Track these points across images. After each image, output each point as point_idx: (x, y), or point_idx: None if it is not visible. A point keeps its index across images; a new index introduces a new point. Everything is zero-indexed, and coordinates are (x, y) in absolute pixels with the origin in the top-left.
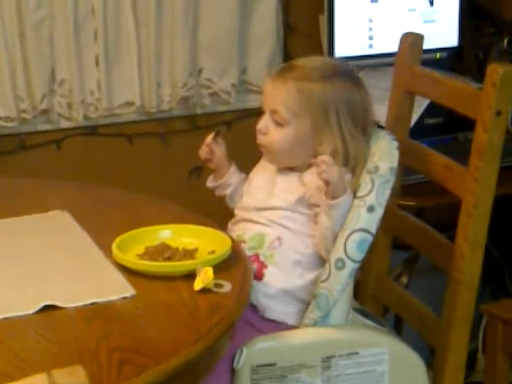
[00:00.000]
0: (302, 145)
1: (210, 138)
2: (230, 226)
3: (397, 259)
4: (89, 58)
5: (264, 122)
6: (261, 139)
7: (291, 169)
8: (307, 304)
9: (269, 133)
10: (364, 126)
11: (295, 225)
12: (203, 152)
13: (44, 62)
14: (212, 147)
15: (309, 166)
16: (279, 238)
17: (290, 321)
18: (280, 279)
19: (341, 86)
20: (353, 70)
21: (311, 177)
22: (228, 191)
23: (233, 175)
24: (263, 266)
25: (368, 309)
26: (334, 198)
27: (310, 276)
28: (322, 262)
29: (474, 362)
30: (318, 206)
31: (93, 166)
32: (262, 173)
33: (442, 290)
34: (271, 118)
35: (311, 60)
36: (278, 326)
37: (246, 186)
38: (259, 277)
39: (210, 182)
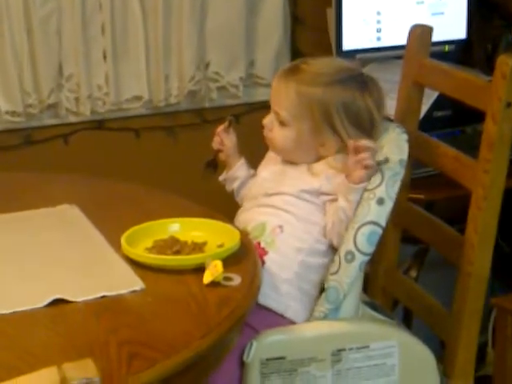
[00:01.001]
0: (304, 145)
1: (221, 127)
2: (237, 215)
3: (406, 253)
4: (96, 52)
5: (269, 119)
6: (266, 134)
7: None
8: (309, 296)
9: (273, 129)
10: (370, 128)
11: (298, 210)
12: (215, 143)
13: (51, 56)
14: (222, 137)
15: (317, 159)
16: (280, 226)
17: (289, 314)
18: (280, 266)
19: (342, 91)
20: (360, 74)
21: (321, 166)
22: (235, 185)
23: (241, 168)
24: (264, 252)
25: (377, 302)
26: (359, 182)
27: (313, 263)
28: (325, 251)
29: (483, 355)
30: (328, 194)
31: (100, 160)
32: (271, 164)
33: (451, 284)
34: (275, 117)
35: (317, 63)
36: (275, 321)
37: (253, 180)
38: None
39: (221, 176)
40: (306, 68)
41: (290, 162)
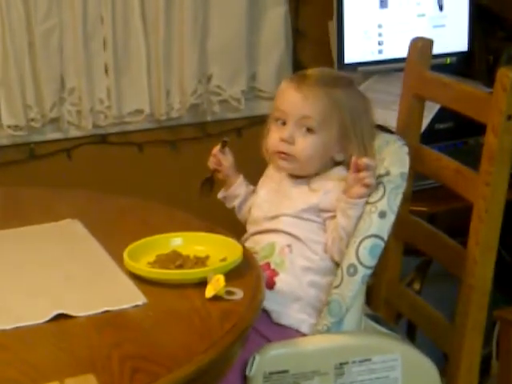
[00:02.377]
0: (325, 152)
1: (216, 148)
2: (241, 241)
3: (409, 266)
4: (98, 66)
5: (289, 132)
6: (286, 148)
7: (299, 176)
8: (320, 312)
9: (295, 142)
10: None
11: (301, 231)
12: (211, 163)
13: (53, 70)
14: (219, 158)
15: (327, 168)
16: (289, 246)
17: (304, 329)
18: (292, 286)
19: (359, 93)
20: None
21: (320, 183)
22: (236, 203)
23: (240, 186)
24: (274, 273)
25: (380, 315)
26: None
27: (322, 282)
28: (332, 268)
29: (488, 367)
30: (327, 211)
31: (103, 174)
32: (269, 183)
33: (454, 297)
34: (299, 125)
35: (323, 69)
36: (290, 334)
37: (254, 199)
38: (271, 285)
39: (220, 194)
40: (321, 73)
41: (290, 178)
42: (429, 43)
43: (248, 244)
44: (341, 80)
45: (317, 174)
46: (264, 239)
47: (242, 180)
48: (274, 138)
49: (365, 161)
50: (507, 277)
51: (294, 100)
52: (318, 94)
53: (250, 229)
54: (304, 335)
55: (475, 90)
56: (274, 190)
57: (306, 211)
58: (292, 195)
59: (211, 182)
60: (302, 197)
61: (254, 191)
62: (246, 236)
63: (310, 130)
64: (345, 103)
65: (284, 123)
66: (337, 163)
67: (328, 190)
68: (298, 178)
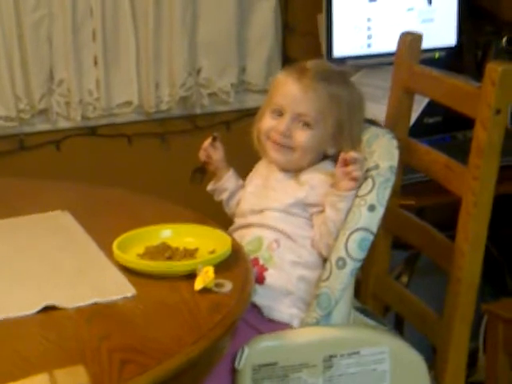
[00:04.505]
0: (319, 146)
1: (207, 142)
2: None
3: (397, 259)
4: (87, 57)
5: (287, 125)
6: (283, 141)
7: (287, 170)
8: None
9: (293, 135)
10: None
11: (289, 227)
12: (201, 155)
13: (42, 61)
14: (209, 152)
15: (318, 161)
16: (277, 241)
17: (295, 323)
18: (281, 281)
19: (355, 90)
20: None
21: (307, 176)
22: (224, 196)
23: (230, 180)
24: (263, 268)
25: (369, 308)
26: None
27: (311, 277)
28: (320, 262)
29: (474, 361)
30: (314, 206)
31: (92, 166)
32: (257, 176)
33: (441, 290)
34: (296, 120)
35: (320, 62)
36: (282, 328)
37: (242, 193)
38: (260, 280)
39: (209, 186)
40: (322, 67)
41: (278, 172)
42: (418, 37)
43: (235, 237)
44: (339, 74)
45: (305, 168)
46: (250, 233)
47: (232, 174)
48: (269, 127)
49: (352, 155)
50: (494, 271)
51: (294, 94)
52: (317, 89)
53: (237, 222)
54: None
55: (464, 85)
56: (262, 184)
57: (292, 206)
58: (279, 189)
59: (202, 172)
60: (289, 191)
61: (242, 186)
62: (231, 228)
63: (306, 125)
64: (343, 99)
65: (280, 114)
66: (325, 157)
67: (314, 184)
68: (286, 171)
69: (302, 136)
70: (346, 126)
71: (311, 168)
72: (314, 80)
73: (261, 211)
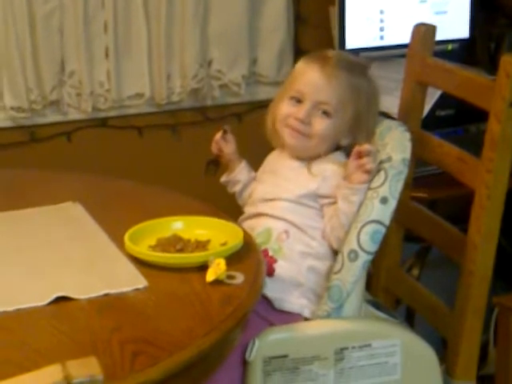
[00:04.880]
0: (335, 136)
1: (218, 135)
2: (238, 222)
3: (408, 251)
4: (99, 49)
5: (307, 112)
6: (301, 128)
7: (299, 159)
8: (321, 297)
9: (312, 123)
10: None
11: (298, 217)
12: (213, 148)
13: (54, 52)
14: (220, 144)
15: (331, 151)
16: (286, 231)
17: (306, 313)
18: (291, 272)
19: (374, 82)
20: None
21: (319, 167)
22: (237, 188)
23: (242, 172)
24: (273, 260)
25: (380, 301)
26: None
27: (321, 268)
28: (330, 253)
29: (485, 354)
30: (325, 197)
31: (103, 158)
32: (268, 167)
33: (452, 283)
34: (316, 108)
35: (341, 52)
36: (293, 318)
37: (254, 184)
38: (270, 272)
39: (223, 178)
40: (345, 58)
41: (290, 161)
42: (432, 29)
43: (245, 227)
44: (359, 66)
45: (317, 157)
46: (260, 224)
47: (244, 166)
48: (287, 113)
49: (366, 147)
50: (506, 264)
51: (316, 82)
52: (340, 78)
53: (247, 210)
54: (307, 320)
55: (478, 77)
56: (273, 173)
57: (304, 197)
58: (291, 178)
59: (216, 163)
60: (300, 181)
61: (255, 178)
62: (241, 218)
63: (326, 113)
64: (362, 90)
65: (299, 101)
66: (337, 148)
67: (327, 175)
68: (298, 160)
69: (320, 124)
70: (363, 117)
71: (324, 158)
72: (336, 69)
73: (272, 200)
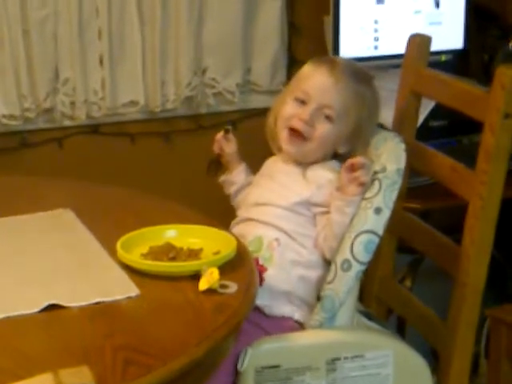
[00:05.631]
0: (335, 143)
1: (220, 134)
2: (230, 227)
3: (401, 262)
4: (93, 56)
5: (311, 113)
6: (303, 129)
7: (297, 162)
8: (311, 306)
9: (314, 126)
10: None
11: (291, 225)
12: (214, 147)
13: (48, 60)
14: (221, 144)
15: (327, 158)
16: (277, 239)
17: (297, 316)
18: (280, 282)
19: (377, 93)
20: None
21: (315, 174)
22: (232, 190)
23: (239, 175)
24: (263, 269)
25: (372, 311)
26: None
27: (311, 277)
28: (321, 262)
29: (476, 366)
30: (319, 206)
31: (95, 164)
32: (266, 171)
33: (444, 294)
34: (319, 111)
35: (347, 59)
36: (285, 323)
37: (250, 188)
38: (260, 282)
39: (221, 178)
40: (353, 65)
41: (286, 166)
42: (427, 40)
43: (237, 231)
44: (366, 75)
45: (313, 163)
46: (250, 232)
47: (243, 169)
48: (290, 114)
49: (359, 160)
50: (497, 276)
51: (324, 84)
52: (347, 84)
53: (239, 215)
54: (299, 323)
55: (473, 88)
56: (269, 177)
57: (297, 204)
58: (286, 184)
59: (218, 163)
60: (295, 187)
61: (251, 183)
62: (233, 222)
63: (328, 118)
64: (366, 99)
65: (304, 102)
66: (333, 156)
67: (321, 184)
68: (294, 165)
69: (322, 128)
70: (364, 126)
71: (319, 165)
72: (344, 74)
73: (264, 204)
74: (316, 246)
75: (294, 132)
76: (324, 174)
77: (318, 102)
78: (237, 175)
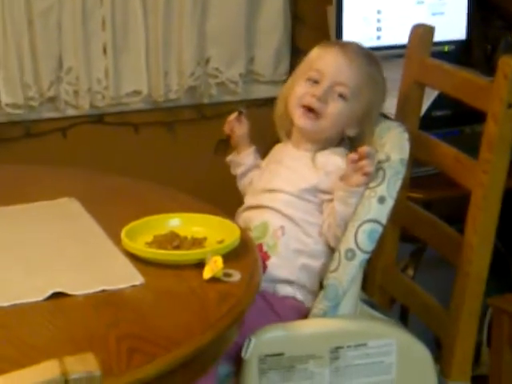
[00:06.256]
0: (346, 123)
1: (232, 116)
2: (237, 214)
3: (404, 252)
4: (96, 46)
5: (324, 90)
6: (317, 105)
7: (307, 149)
8: (313, 293)
9: (328, 102)
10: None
11: (298, 213)
12: (226, 128)
13: (51, 49)
14: (233, 125)
15: (336, 141)
16: (282, 227)
17: (299, 296)
18: (283, 270)
19: (385, 80)
20: None
21: (323, 160)
22: (239, 171)
23: (249, 157)
24: (266, 256)
25: (375, 300)
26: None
27: (314, 266)
28: (325, 251)
29: (478, 355)
30: (326, 193)
31: (98, 154)
32: (274, 158)
33: (446, 283)
34: (333, 89)
35: (356, 42)
36: (287, 301)
37: (257, 172)
38: (263, 269)
39: (229, 157)
40: (362, 47)
41: (295, 152)
42: (430, 30)
43: (242, 219)
44: (376, 59)
45: (322, 148)
46: (258, 217)
47: (253, 151)
48: (302, 92)
49: (366, 149)
50: (499, 265)
51: (339, 62)
52: (361, 64)
53: (247, 201)
54: (302, 303)
55: (476, 78)
56: (278, 163)
57: (305, 191)
58: (295, 169)
59: (227, 144)
60: (303, 173)
61: (259, 166)
62: (240, 209)
63: (342, 97)
64: (378, 82)
65: (316, 82)
66: (342, 140)
67: (329, 170)
68: (302, 150)
69: (335, 106)
70: (374, 109)
71: (329, 150)
72: (358, 55)
73: (272, 190)
74: (321, 234)
75: (308, 109)
76: (333, 160)
77: (331, 79)
78: (245, 157)
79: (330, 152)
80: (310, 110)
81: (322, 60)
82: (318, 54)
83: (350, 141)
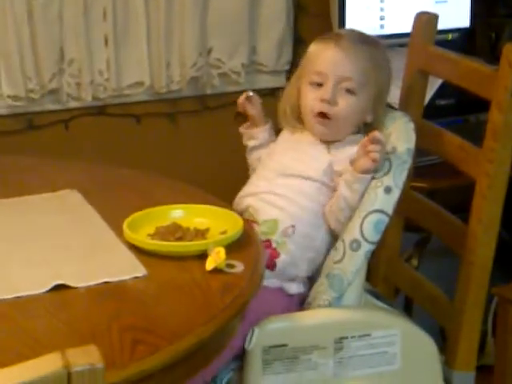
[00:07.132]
0: (361, 115)
1: (241, 97)
2: (239, 196)
3: (407, 242)
4: (98, 37)
5: (332, 91)
6: (327, 109)
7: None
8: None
9: (338, 102)
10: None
11: (312, 203)
12: (239, 108)
13: (53, 40)
14: (245, 106)
15: (353, 132)
16: (293, 226)
17: (303, 288)
18: (291, 267)
19: (386, 53)
20: None
21: (339, 151)
22: (252, 143)
23: (264, 133)
24: (276, 253)
25: (379, 291)
26: (363, 172)
27: (320, 258)
28: (330, 241)
29: (483, 345)
30: (340, 174)
31: (101, 146)
32: (286, 144)
33: (451, 273)
34: (339, 86)
35: (353, 29)
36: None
37: (268, 155)
38: (271, 266)
39: (242, 128)
40: (362, 34)
41: (309, 139)
42: (434, 18)
43: (247, 204)
44: (372, 38)
45: (342, 138)
46: (267, 211)
47: (268, 128)
48: (311, 99)
49: (377, 135)
50: (504, 254)
51: (335, 59)
52: (357, 51)
53: (259, 183)
54: (303, 294)
55: (481, 66)
56: (291, 148)
57: (325, 174)
58: (311, 154)
59: (244, 115)
60: (320, 157)
61: (273, 141)
62: (247, 191)
63: (349, 91)
64: (382, 63)
65: (321, 85)
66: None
67: (346, 156)
68: (317, 141)
69: (346, 103)
70: (384, 92)
71: (344, 141)
72: (352, 42)
73: (291, 176)
74: (323, 214)
75: (321, 115)
76: (348, 149)
77: (334, 78)
78: (260, 132)
79: (346, 142)
80: (323, 115)
81: (319, 60)
82: (313, 53)
83: (364, 126)
